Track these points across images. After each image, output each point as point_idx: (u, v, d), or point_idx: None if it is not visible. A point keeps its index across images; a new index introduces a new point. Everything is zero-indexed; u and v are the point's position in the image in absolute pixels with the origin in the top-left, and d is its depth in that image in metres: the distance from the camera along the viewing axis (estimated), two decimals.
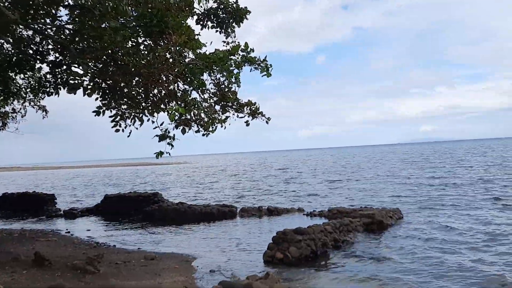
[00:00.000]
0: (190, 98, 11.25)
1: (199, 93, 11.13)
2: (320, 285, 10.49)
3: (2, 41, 11.61)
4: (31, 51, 11.33)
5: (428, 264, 11.86)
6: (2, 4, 8.91)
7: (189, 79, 10.65)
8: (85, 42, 9.69)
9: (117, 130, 10.52)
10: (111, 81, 10.53)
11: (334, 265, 12.37)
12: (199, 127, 10.93)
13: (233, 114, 11.27)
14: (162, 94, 11.02)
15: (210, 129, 10.97)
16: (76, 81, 10.03)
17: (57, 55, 11.00)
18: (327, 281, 10.86)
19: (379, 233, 16.19)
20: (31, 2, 9.57)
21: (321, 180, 42.96)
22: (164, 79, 10.66)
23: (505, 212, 18.77)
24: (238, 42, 11.33)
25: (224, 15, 12.10)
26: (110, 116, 10.60)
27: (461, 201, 22.37)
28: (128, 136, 11.17)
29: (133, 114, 10.80)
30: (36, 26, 10.36)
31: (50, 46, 11.18)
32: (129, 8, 9.15)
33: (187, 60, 10.56)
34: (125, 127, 10.59)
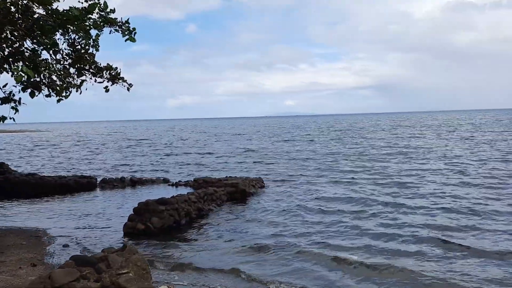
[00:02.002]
0: (40, 59, 10.12)
1: (51, 53, 10.04)
2: (180, 254, 10.58)
3: None
4: None
5: (284, 226, 12.77)
6: None
7: (38, 38, 9.55)
8: None
9: None
10: None
11: (196, 233, 12.61)
12: (51, 91, 9.92)
13: (91, 79, 10.43)
14: (6, 53, 9.73)
15: (64, 94, 10.02)
16: None
17: None
18: (188, 248, 11.02)
19: (242, 201, 16.89)
20: None
21: (189, 151, 43.05)
22: (9, 35, 9.42)
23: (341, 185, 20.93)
24: (98, 1, 10.42)
25: None
26: None
27: (313, 172, 24.33)
28: None
29: None
30: None
31: None
32: None
33: (36, 16, 9.42)
34: None
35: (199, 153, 39.32)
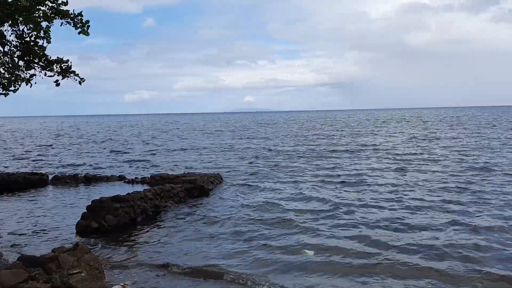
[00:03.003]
0: None
1: None
2: (135, 253, 10.42)
3: None
4: None
5: (242, 225, 12.79)
6: None
7: None
8: None
9: None
10: None
11: (152, 230, 12.44)
12: None
13: (40, 72, 10.01)
14: None
15: (12, 88, 9.58)
16: None
17: None
18: (143, 247, 10.87)
19: (200, 198, 16.76)
20: None
21: (145, 147, 42.33)
22: None
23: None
24: None
25: None
26: None
27: (268, 170, 24.31)
28: None
29: None
30: None
31: None
32: None
33: None
34: None
35: (156, 150, 38.69)
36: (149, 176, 20.89)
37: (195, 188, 17.45)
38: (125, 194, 13.84)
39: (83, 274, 7.09)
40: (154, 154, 34.94)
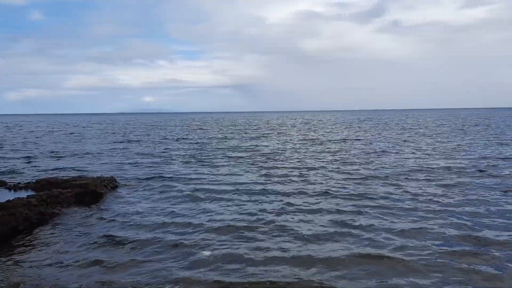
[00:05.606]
0: None
1: None
2: (15, 267, 9.63)
3: None
4: None
5: (141, 230, 12.51)
6: None
7: None
8: None
9: None
10: None
11: (36, 239, 11.62)
12: None
13: None
14: None
15: None
16: None
17: None
18: (23, 259, 10.11)
19: (92, 203, 15.98)
20: None
21: (28, 150, 38.93)
22: None
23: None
24: None
25: None
26: None
27: (167, 172, 23.92)
28: None
29: None
30: None
31: None
32: None
33: None
34: None
35: (41, 153, 35.75)
36: (34, 181, 19.30)
37: (86, 193, 16.58)
38: (4, 201, 12.71)
39: None
40: (39, 158, 32.17)
